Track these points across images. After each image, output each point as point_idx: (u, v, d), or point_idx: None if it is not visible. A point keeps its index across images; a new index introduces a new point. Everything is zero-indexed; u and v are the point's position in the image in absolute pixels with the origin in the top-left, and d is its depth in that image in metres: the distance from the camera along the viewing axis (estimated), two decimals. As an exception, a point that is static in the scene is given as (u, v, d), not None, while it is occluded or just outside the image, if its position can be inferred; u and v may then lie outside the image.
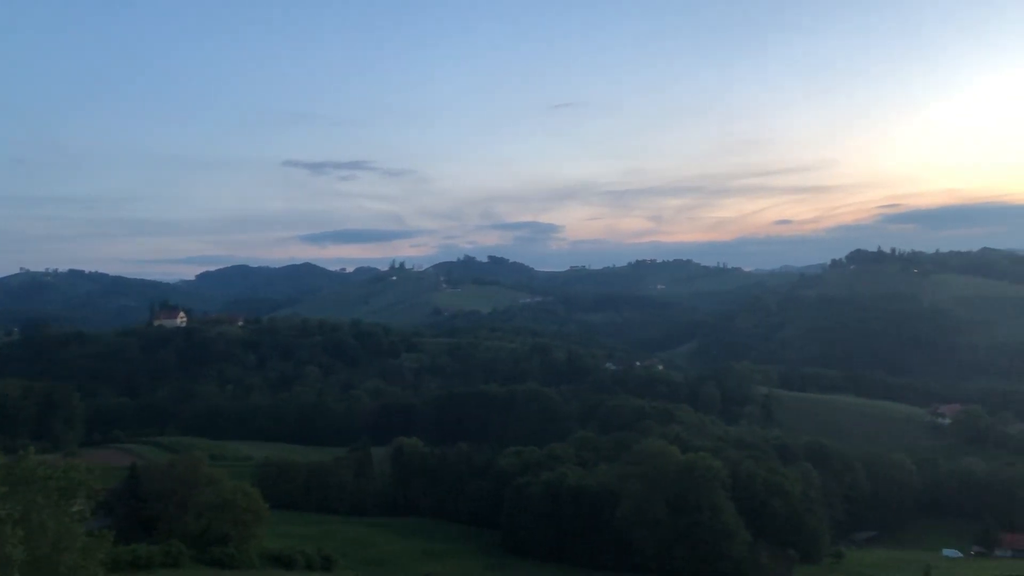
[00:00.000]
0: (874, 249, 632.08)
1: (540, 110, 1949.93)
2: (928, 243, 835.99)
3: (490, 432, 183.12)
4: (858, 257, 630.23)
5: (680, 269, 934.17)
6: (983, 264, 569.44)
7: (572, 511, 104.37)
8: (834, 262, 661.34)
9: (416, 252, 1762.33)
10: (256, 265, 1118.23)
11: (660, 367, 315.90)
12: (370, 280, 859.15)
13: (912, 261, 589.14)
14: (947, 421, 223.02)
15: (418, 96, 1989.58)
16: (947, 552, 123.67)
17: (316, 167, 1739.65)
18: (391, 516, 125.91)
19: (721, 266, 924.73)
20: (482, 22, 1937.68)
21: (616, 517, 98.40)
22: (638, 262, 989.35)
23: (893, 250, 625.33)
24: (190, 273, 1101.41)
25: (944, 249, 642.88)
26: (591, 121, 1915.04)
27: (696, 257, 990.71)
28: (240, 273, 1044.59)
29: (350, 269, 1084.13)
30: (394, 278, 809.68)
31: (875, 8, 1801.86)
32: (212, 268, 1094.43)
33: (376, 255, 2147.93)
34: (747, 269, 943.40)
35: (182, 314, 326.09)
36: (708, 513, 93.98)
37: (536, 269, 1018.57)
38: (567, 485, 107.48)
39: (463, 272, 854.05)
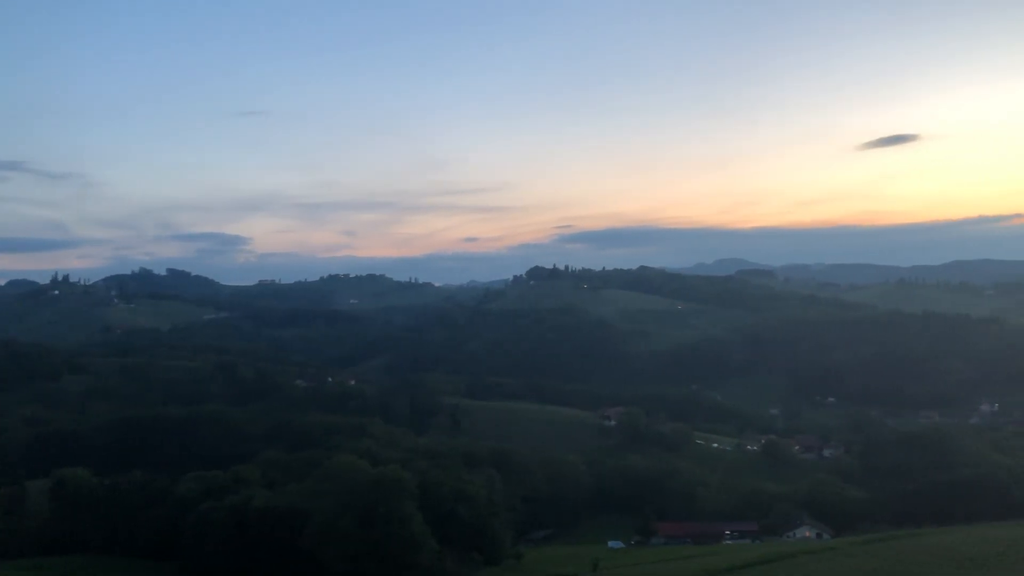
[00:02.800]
0: (550, 266, 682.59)
1: (225, 117, 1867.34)
2: (596, 261, 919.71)
3: (170, 458, 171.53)
4: (536, 273, 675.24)
5: (373, 284, 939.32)
6: (641, 280, 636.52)
7: (260, 534, 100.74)
8: (516, 278, 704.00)
9: (83, 264, 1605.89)
10: None
11: (352, 382, 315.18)
12: (26, 294, 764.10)
13: (582, 277, 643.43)
14: (612, 423, 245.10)
15: (84, 93, 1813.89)
16: (612, 544, 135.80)
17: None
18: (52, 556, 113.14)
19: (412, 281, 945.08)
20: (162, 19, 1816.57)
21: (305, 536, 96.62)
22: (331, 276, 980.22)
23: (567, 267, 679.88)
24: None
25: (609, 267, 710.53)
26: (280, 131, 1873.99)
27: (388, 272, 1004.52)
28: None
29: (2, 282, 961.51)
30: (56, 292, 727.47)
31: (547, 40, 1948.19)
32: None
33: (34, 267, 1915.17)
34: (437, 284, 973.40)
35: None
36: (397, 524, 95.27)
37: (222, 283, 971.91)
38: (254, 508, 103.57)
39: (139, 286, 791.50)
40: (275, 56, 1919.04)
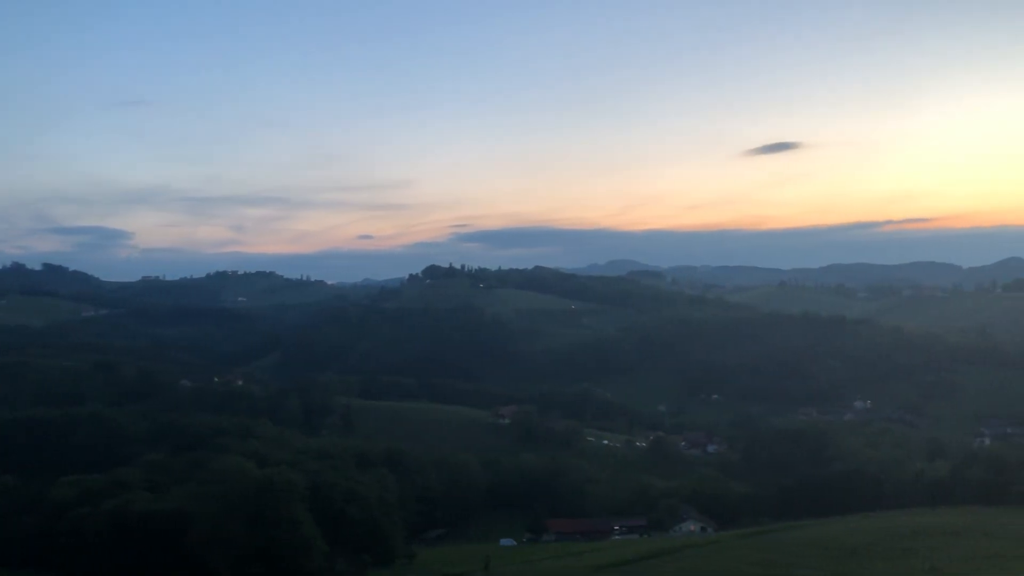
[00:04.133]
0: (447, 265, 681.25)
1: (106, 106, 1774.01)
2: (492, 260, 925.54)
3: (44, 462, 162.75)
4: (433, 272, 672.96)
5: (263, 281, 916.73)
6: (536, 280, 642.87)
7: (141, 539, 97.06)
8: (411, 276, 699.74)
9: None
10: None
11: (240, 382, 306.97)
12: None
13: (479, 277, 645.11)
14: (507, 421, 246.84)
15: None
16: (504, 542, 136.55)
17: None
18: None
19: (305, 279, 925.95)
20: (38, 2, 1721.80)
21: (190, 540, 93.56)
22: (218, 273, 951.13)
23: (463, 266, 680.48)
24: None
25: (505, 266, 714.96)
26: (165, 122, 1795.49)
27: (280, 269, 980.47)
28: None
29: None
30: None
31: (445, 37, 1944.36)
32: None
33: None
34: (331, 282, 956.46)
35: None
36: (286, 527, 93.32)
37: (103, 279, 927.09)
38: (134, 512, 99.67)
39: (10, 282, 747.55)
40: (159, 43, 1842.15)
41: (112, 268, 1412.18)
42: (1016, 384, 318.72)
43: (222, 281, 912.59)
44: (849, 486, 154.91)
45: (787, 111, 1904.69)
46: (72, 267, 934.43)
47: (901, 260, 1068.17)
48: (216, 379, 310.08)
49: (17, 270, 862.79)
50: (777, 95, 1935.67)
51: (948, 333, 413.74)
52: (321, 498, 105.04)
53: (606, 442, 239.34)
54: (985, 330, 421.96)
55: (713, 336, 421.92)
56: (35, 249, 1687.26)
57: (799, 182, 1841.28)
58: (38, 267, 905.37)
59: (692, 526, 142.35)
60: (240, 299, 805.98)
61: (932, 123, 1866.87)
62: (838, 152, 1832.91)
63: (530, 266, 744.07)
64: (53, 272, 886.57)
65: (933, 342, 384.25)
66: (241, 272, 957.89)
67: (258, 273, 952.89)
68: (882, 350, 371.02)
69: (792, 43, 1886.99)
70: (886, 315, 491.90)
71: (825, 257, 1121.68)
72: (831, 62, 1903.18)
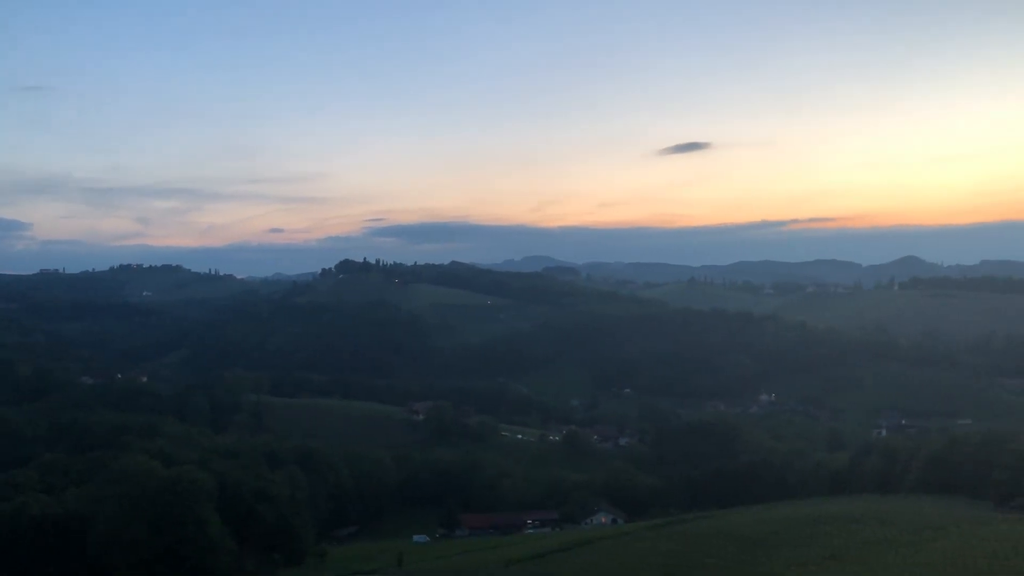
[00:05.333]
0: (361, 260, 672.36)
1: (1, 91, 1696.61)
2: (407, 255, 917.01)
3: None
4: (346, 267, 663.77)
5: (169, 275, 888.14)
6: (452, 275, 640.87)
7: (38, 543, 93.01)
8: (324, 271, 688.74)
9: None
10: None
11: (145, 379, 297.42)
12: None
13: (394, 272, 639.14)
14: (420, 417, 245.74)
15: None
16: (417, 538, 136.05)
17: None
18: None
19: (213, 273, 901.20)
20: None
21: (90, 543, 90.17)
22: (122, 267, 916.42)
23: (378, 261, 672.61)
24: None
25: (421, 262, 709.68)
26: (67, 109, 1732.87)
27: (187, 263, 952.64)
28: None
29: None
30: None
31: (364, 29, 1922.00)
32: None
33: None
34: (240, 276, 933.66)
35: None
36: (192, 528, 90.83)
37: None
38: (29, 515, 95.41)
39: None
40: (62, 26, 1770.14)
41: (7, 260, 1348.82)
42: (911, 378, 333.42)
43: (126, 275, 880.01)
44: (755, 477, 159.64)
45: (698, 112, 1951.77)
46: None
47: (805, 258, 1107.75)
48: (119, 376, 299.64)
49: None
50: (689, 96, 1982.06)
51: (849, 329, 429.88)
52: (229, 497, 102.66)
53: (520, 437, 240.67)
54: (883, 326, 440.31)
55: (625, 331, 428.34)
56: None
57: (709, 182, 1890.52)
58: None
59: (603, 518, 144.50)
60: (145, 294, 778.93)
61: (835, 127, 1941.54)
62: (746, 153, 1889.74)
63: (446, 261, 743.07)
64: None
65: (835, 337, 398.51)
66: (147, 266, 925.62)
67: (164, 267, 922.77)
68: (787, 345, 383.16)
69: (704, 46, 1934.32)
70: (791, 311, 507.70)
71: (733, 255, 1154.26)
72: (741, 65, 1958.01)
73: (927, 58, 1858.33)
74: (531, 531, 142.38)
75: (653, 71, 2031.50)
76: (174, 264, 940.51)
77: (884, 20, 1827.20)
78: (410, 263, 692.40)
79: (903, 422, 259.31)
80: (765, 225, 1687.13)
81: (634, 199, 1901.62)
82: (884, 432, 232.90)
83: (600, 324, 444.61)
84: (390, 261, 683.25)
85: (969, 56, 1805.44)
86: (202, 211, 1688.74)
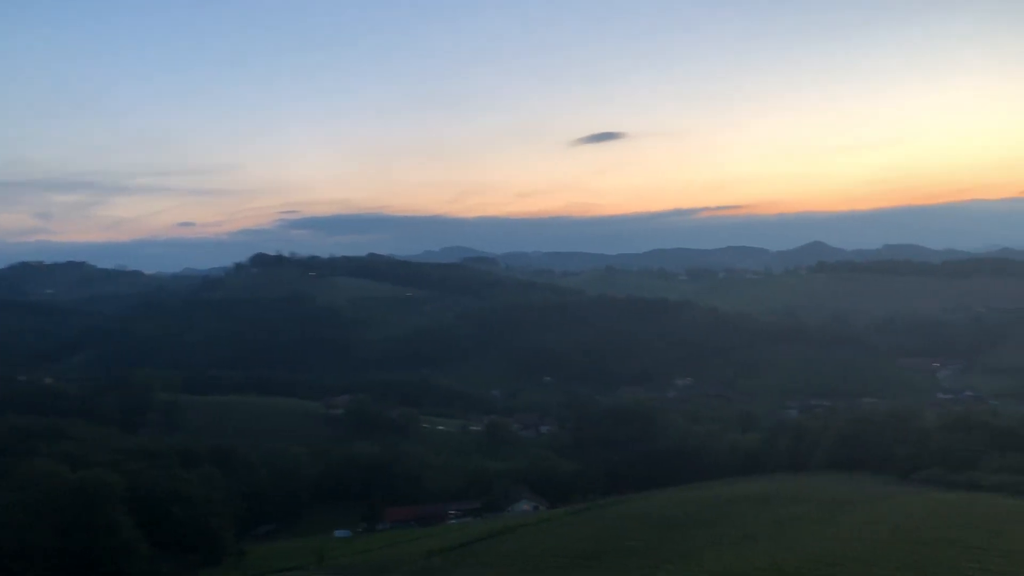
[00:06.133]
0: (275, 253, 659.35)
1: None
2: (323, 248, 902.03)
3: None
4: (260, 260, 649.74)
5: (74, 272, 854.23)
6: (370, 267, 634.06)
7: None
8: (237, 265, 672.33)
9: None
10: None
11: (50, 380, 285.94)
12: None
13: (309, 265, 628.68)
14: (340, 411, 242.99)
15: None
16: (339, 533, 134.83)
17: None
18: None
19: (120, 268, 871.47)
20: None
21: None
22: (22, 264, 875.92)
23: (293, 254, 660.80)
24: None
25: (337, 254, 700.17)
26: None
27: (92, 259, 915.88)
28: None
29: None
30: None
31: (274, 14, 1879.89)
32: None
33: None
34: (149, 272, 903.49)
35: None
36: (103, 532, 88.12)
37: None
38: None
39: None
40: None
41: None
42: (820, 359, 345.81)
43: (26, 272, 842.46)
44: (672, 459, 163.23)
45: (613, 103, 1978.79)
46: None
47: (716, 245, 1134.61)
48: (22, 378, 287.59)
49: None
50: (603, 87, 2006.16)
51: (759, 313, 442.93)
52: (142, 499, 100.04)
53: (442, 428, 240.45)
54: (792, 310, 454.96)
55: (545, 320, 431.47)
56: None
57: (624, 171, 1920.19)
58: None
59: (526, 506, 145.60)
60: (48, 291, 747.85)
61: (743, 117, 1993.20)
62: (659, 143, 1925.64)
63: (363, 253, 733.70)
64: None
65: (746, 322, 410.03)
66: (49, 262, 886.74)
67: (68, 263, 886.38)
68: (701, 330, 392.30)
69: (617, 38, 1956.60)
70: (704, 297, 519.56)
71: (648, 243, 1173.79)
72: (653, 57, 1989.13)
73: (832, 50, 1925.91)
74: (454, 521, 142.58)
75: (568, 62, 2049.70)
76: (78, 260, 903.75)
77: (790, 13, 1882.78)
78: (326, 255, 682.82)
79: (812, 402, 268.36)
80: (678, 213, 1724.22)
81: (551, 189, 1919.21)
82: (795, 412, 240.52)
83: (520, 314, 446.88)
84: (305, 254, 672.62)
85: (871, 48, 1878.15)
86: (107, 205, 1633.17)
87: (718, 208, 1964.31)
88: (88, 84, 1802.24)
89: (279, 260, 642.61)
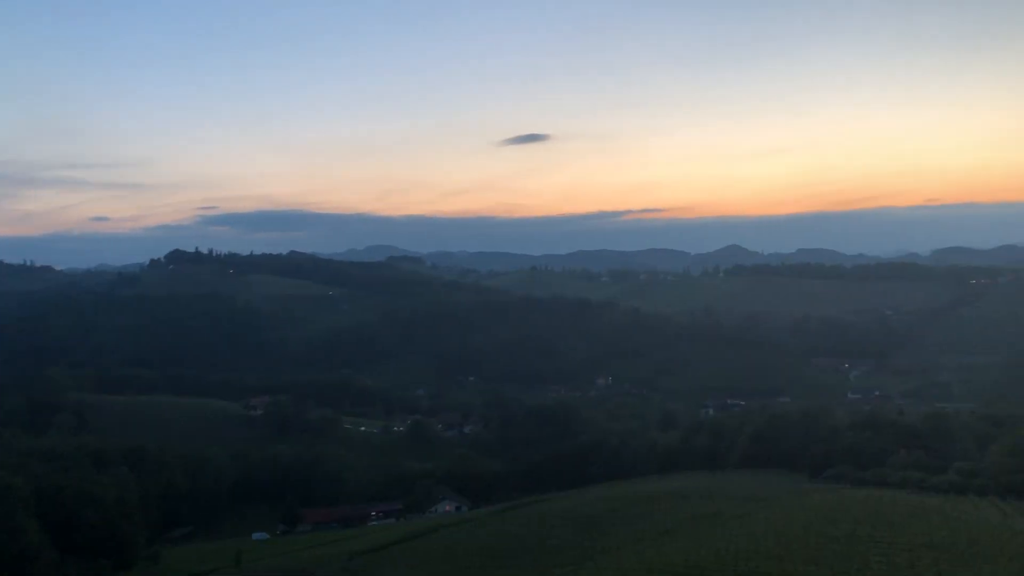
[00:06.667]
0: (193, 250, 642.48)
1: None
2: (243, 245, 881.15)
3: None
4: (177, 257, 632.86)
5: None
6: (291, 265, 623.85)
7: None
8: (153, 261, 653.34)
9: None
10: None
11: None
12: None
13: (229, 262, 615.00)
14: (259, 412, 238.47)
15: None
16: (256, 535, 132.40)
17: None
18: None
19: (29, 264, 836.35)
20: None
21: None
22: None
23: (211, 251, 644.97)
24: None
25: (258, 251, 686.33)
26: None
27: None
28: None
29: None
30: None
31: (193, 4, 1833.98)
32: None
33: None
34: (60, 268, 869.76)
35: None
36: (6, 537, 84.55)
37: None
38: None
39: None
40: None
41: None
42: (736, 360, 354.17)
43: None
44: (593, 458, 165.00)
45: (538, 105, 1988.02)
46: None
47: (638, 247, 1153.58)
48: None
49: None
50: (529, 89, 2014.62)
51: (679, 314, 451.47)
52: (49, 503, 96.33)
53: (364, 429, 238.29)
54: (711, 311, 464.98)
55: (470, 320, 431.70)
56: None
57: (549, 173, 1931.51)
58: None
59: (448, 506, 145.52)
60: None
61: (665, 121, 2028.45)
62: (583, 145, 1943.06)
63: (285, 251, 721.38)
64: None
65: (666, 322, 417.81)
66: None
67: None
68: (623, 330, 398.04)
69: (543, 40, 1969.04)
70: (626, 298, 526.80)
71: (572, 244, 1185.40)
72: (578, 60, 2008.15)
73: (753, 58, 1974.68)
74: (375, 523, 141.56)
75: (494, 62, 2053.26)
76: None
77: (713, 21, 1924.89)
78: (246, 253, 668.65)
79: (729, 401, 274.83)
80: (601, 215, 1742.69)
81: (478, 189, 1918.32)
82: (711, 411, 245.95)
83: (445, 313, 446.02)
84: (225, 251, 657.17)
85: (790, 57, 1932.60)
86: (16, 198, 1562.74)
87: (641, 211, 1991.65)
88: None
89: (197, 257, 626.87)
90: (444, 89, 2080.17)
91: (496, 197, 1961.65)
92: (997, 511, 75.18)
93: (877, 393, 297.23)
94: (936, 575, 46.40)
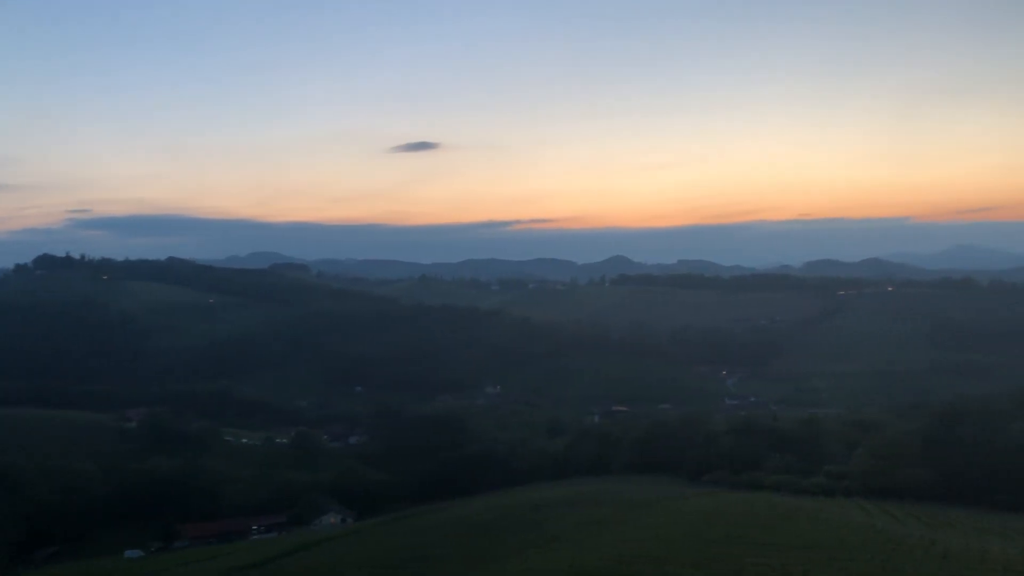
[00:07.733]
0: (63, 254, 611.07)
1: None
2: (118, 250, 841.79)
3: None
4: (45, 262, 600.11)
5: None
6: (169, 272, 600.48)
7: None
8: (18, 267, 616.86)
9: None
10: None
11: None
12: None
13: (102, 268, 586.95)
14: (134, 424, 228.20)
15: None
16: (129, 553, 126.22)
17: None
18: None
19: None
20: None
21: None
22: None
23: (83, 256, 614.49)
24: None
25: (133, 257, 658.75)
26: None
27: None
28: None
29: None
30: None
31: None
32: None
33: None
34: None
35: None
36: None
37: None
38: None
39: None
40: None
41: None
42: (621, 367, 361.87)
43: None
44: (482, 466, 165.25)
45: (428, 113, 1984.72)
46: None
47: (527, 256, 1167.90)
48: None
49: None
50: (418, 97, 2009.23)
51: (567, 323, 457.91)
52: None
53: (246, 440, 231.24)
54: (597, 320, 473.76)
55: (357, 328, 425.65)
56: None
57: (439, 181, 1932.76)
58: None
59: (332, 519, 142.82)
60: None
61: (553, 133, 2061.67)
62: (473, 155, 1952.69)
63: (162, 257, 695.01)
64: None
65: (555, 331, 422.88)
66: None
67: None
68: (511, 339, 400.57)
69: (434, 48, 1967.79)
70: (515, 307, 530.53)
71: (462, 252, 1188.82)
72: (468, 70, 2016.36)
73: (639, 74, 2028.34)
74: (257, 537, 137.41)
75: (383, 70, 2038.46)
76: None
77: (607, 36, 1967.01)
78: (121, 258, 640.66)
79: (614, 408, 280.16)
80: (491, 225, 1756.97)
81: (366, 196, 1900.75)
82: (598, 418, 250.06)
83: (332, 322, 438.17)
84: (97, 256, 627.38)
85: (675, 75, 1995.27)
86: None
87: (530, 221, 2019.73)
88: None
89: (68, 262, 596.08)
90: (332, 94, 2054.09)
91: (385, 204, 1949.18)
92: (861, 511, 79.32)
93: (753, 399, 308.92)
94: (804, 574, 48.41)
